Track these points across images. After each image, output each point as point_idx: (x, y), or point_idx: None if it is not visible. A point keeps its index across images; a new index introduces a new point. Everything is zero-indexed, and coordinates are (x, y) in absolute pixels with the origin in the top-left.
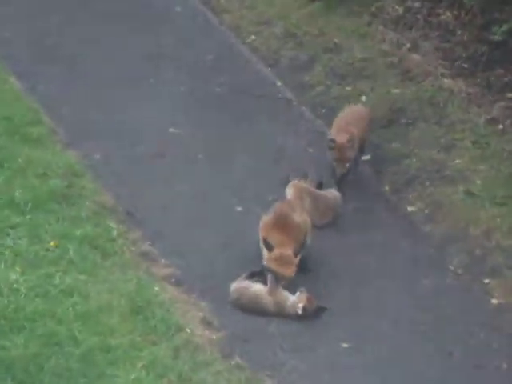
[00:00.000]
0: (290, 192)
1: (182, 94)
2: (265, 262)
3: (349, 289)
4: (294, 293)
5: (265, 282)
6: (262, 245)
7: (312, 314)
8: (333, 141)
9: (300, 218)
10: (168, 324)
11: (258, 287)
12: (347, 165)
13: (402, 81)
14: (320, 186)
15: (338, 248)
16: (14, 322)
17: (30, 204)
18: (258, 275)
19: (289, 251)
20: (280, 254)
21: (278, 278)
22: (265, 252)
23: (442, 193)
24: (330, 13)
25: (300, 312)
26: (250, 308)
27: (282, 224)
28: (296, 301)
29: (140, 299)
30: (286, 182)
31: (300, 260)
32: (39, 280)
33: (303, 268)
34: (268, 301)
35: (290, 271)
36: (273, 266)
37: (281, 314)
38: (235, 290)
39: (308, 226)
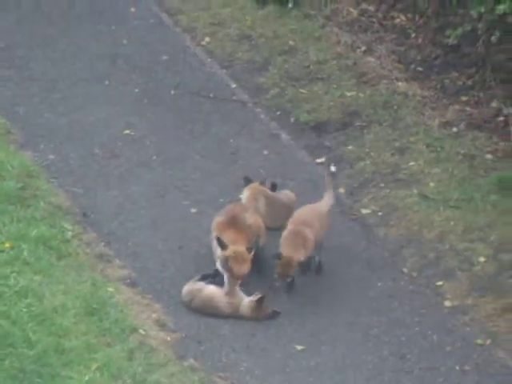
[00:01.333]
0: (245, 194)
1: (136, 95)
2: (218, 262)
3: (303, 291)
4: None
5: (218, 284)
6: (214, 244)
7: (265, 316)
8: (279, 256)
9: (251, 218)
10: (122, 325)
11: (211, 289)
12: (288, 279)
13: (357, 84)
14: (274, 187)
15: None
16: None
17: None
18: (211, 277)
19: (242, 248)
20: (234, 251)
21: (234, 277)
22: (218, 251)
23: (396, 196)
24: (285, 15)
25: (255, 301)
26: (204, 310)
27: (234, 224)
28: (252, 299)
29: (95, 301)
30: (246, 182)
31: (253, 260)
32: None
33: (258, 269)
34: (222, 302)
35: (245, 267)
36: (228, 263)
37: (235, 314)
38: (188, 292)
39: (260, 227)
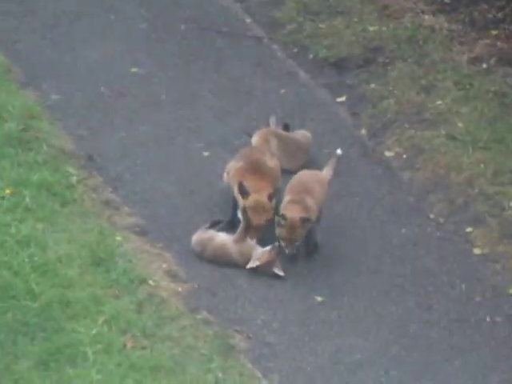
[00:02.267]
0: (255, 138)
1: (144, 30)
2: (239, 210)
3: (323, 239)
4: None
5: (229, 232)
6: (235, 192)
7: (268, 273)
8: (284, 217)
9: (271, 162)
10: (131, 276)
11: (222, 236)
12: (297, 243)
13: (379, 17)
14: (286, 128)
15: None
16: None
17: None
18: (220, 224)
19: (264, 197)
20: (256, 201)
21: (252, 227)
22: (240, 198)
23: (422, 137)
24: None
25: (250, 266)
26: (216, 259)
27: (255, 169)
28: (258, 255)
29: (101, 250)
30: (250, 136)
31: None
32: None
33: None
34: (234, 250)
35: (264, 218)
36: (249, 212)
37: (246, 264)
38: (198, 242)
39: (279, 170)
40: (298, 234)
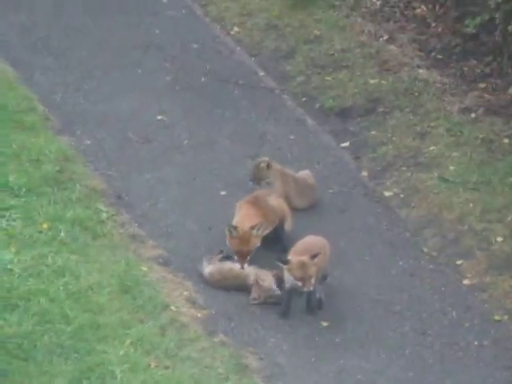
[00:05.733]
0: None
1: (168, 82)
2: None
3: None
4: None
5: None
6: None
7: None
8: (288, 261)
9: (274, 201)
10: (155, 303)
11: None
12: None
13: (380, 71)
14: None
15: (318, 231)
16: (9, 300)
17: (23, 188)
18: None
19: (246, 227)
20: (241, 232)
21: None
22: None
23: (418, 178)
24: (311, 5)
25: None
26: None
27: (253, 202)
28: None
29: (128, 279)
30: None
31: (280, 239)
32: (32, 260)
33: (282, 249)
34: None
35: (248, 246)
36: (234, 246)
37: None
38: (217, 272)
39: (284, 210)
40: (311, 271)
